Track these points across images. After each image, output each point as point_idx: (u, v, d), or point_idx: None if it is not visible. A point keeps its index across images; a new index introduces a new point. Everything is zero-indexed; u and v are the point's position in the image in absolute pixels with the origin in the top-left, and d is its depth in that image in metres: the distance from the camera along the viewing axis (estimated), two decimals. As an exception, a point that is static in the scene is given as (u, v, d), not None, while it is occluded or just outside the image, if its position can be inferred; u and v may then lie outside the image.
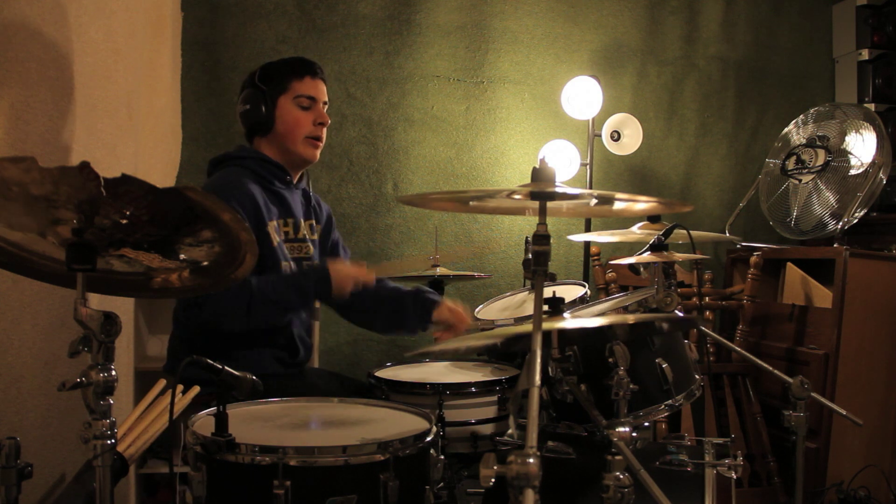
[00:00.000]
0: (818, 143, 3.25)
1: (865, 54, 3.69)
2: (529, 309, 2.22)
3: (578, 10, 3.66)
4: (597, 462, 1.32)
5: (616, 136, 3.37)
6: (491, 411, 1.99)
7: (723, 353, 2.98)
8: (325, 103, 2.15)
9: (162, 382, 1.81)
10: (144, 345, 2.87)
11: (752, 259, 2.99)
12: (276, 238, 2.04)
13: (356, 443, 1.32)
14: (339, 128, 3.38)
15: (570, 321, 1.38)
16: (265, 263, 2.00)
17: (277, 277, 1.97)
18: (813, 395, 1.78)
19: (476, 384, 1.98)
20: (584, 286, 2.39)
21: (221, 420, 1.29)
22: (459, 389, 1.96)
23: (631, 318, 1.48)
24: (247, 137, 2.17)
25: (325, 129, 2.15)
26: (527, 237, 2.36)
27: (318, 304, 3.11)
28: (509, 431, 1.95)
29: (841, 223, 3.09)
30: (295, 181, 2.18)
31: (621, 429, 1.33)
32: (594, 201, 1.41)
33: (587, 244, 3.34)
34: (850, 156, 3.15)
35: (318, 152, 2.16)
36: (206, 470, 1.30)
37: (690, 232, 1.99)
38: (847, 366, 2.83)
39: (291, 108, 2.09)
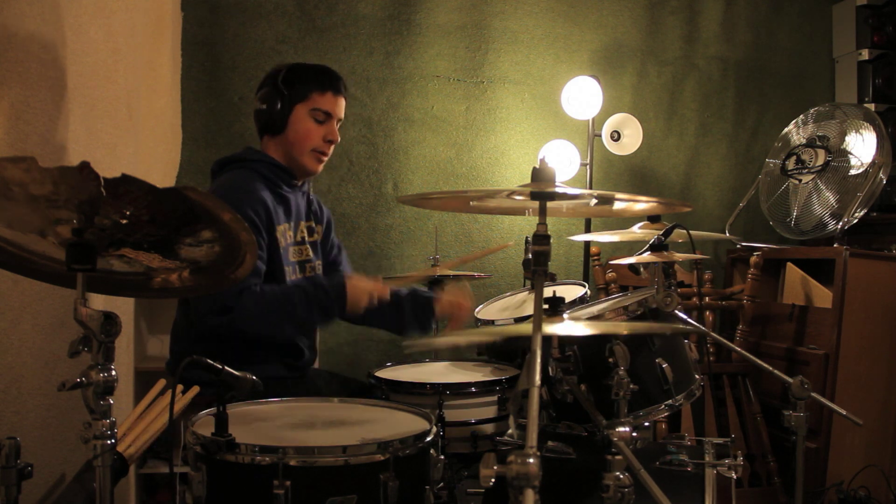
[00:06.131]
0: (818, 143, 3.25)
1: (865, 54, 3.68)
2: (529, 309, 2.22)
3: (578, 10, 3.66)
4: (597, 462, 1.32)
5: (616, 136, 3.37)
6: (491, 411, 1.99)
7: (723, 353, 2.98)
8: (339, 120, 2.14)
9: (162, 382, 1.81)
10: (144, 345, 2.87)
11: (752, 259, 2.99)
12: (283, 242, 2.05)
13: (356, 443, 1.32)
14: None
15: (566, 326, 1.37)
16: (272, 267, 1.99)
17: (296, 289, 1.94)
18: (813, 395, 1.78)
19: (476, 384, 1.98)
20: (584, 286, 2.39)
21: (221, 420, 1.29)
22: (459, 389, 1.96)
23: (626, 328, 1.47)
24: (259, 133, 2.16)
25: (332, 147, 2.14)
26: (527, 237, 2.37)
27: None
28: (509, 431, 1.96)
29: (841, 223, 3.09)
30: (299, 184, 2.19)
31: (621, 429, 1.33)
32: (594, 201, 1.41)
33: (587, 244, 3.34)
34: (850, 156, 3.15)
35: (321, 166, 2.15)
36: (206, 470, 1.30)
37: (690, 232, 1.98)
38: (847, 366, 2.83)
39: (305, 119, 2.08)
